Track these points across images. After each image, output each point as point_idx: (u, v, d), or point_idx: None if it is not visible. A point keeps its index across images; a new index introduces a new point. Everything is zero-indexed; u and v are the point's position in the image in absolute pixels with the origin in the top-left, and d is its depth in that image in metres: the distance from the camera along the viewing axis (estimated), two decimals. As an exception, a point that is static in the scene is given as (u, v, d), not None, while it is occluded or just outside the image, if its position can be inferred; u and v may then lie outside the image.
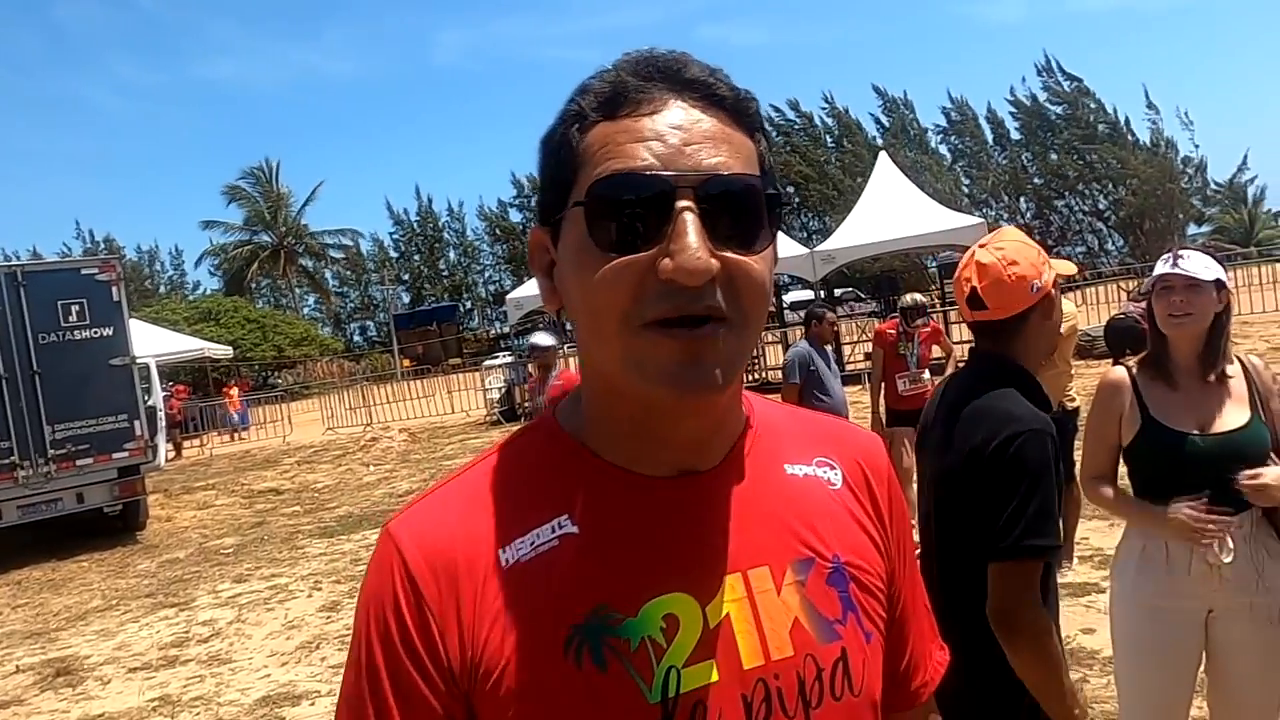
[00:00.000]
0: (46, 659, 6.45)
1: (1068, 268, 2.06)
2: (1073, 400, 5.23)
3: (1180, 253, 2.42)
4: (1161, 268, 2.43)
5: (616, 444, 0.77)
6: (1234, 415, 2.35)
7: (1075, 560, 5.19)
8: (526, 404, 6.25)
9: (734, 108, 0.73)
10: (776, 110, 47.61)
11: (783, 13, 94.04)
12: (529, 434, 0.83)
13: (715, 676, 0.72)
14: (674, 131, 0.69)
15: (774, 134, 47.09)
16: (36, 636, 7.13)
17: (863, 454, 0.89)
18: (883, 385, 6.32)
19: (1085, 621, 4.45)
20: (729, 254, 0.68)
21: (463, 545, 0.74)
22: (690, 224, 0.66)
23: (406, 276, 52.89)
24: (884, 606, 0.84)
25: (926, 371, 6.23)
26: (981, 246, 1.97)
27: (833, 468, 0.85)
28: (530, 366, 6.91)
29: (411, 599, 0.72)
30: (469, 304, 52.05)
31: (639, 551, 0.74)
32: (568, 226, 0.72)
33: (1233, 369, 2.41)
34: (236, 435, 23.26)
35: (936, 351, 6.37)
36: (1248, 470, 2.25)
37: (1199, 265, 2.37)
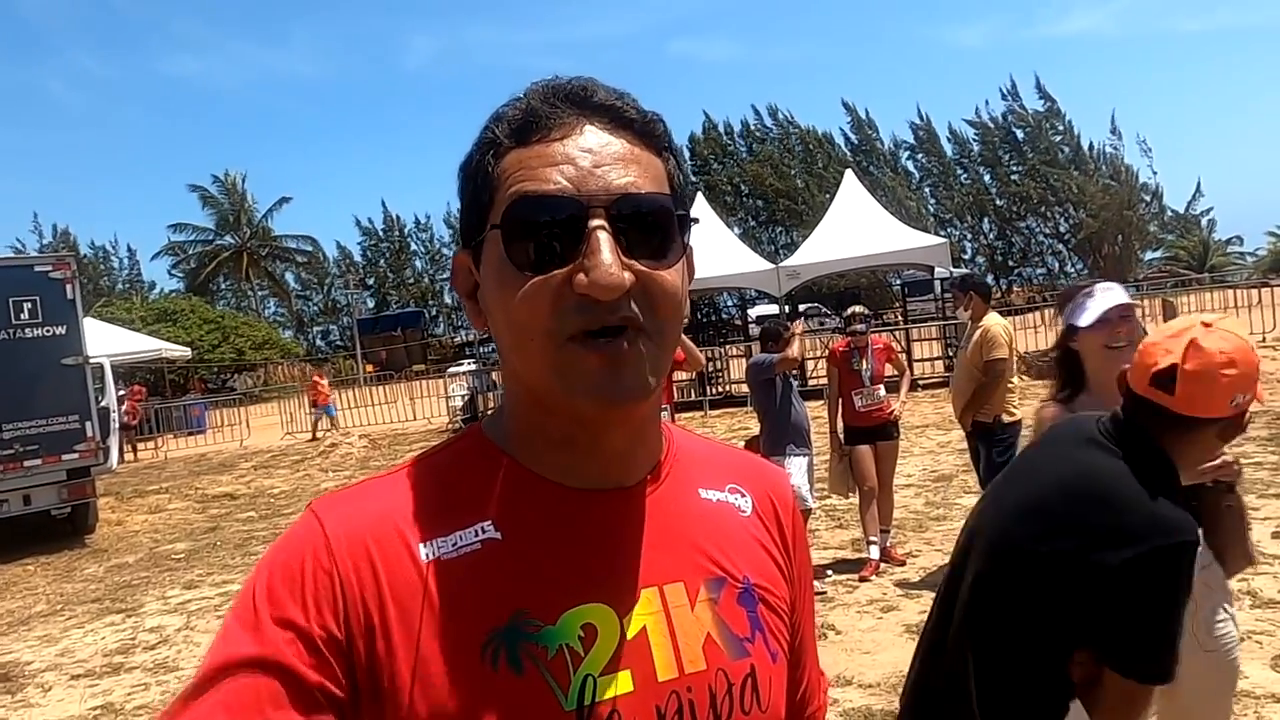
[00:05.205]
0: (-14, 665, 6.29)
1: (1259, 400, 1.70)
2: (1012, 415, 5.59)
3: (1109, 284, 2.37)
4: (1122, 295, 2.35)
5: (542, 456, 0.78)
6: None
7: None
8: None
9: (642, 130, 0.76)
10: (756, 114, 48.01)
11: (755, 30, 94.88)
12: (455, 444, 0.83)
13: (630, 686, 0.73)
14: (584, 154, 0.72)
15: (747, 142, 47.45)
16: (-24, 641, 6.96)
17: (772, 487, 0.92)
18: (839, 402, 6.39)
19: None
20: (641, 267, 0.71)
21: (384, 531, 0.74)
22: (603, 241, 0.69)
23: (371, 281, 52.47)
24: (788, 630, 0.87)
25: (882, 388, 6.28)
26: (1207, 326, 1.67)
27: (743, 496, 0.89)
28: None
29: (325, 565, 0.71)
30: (435, 310, 51.70)
31: (560, 561, 0.75)
32: (487, 249, 0.75)
33: None
34: (320, 429, 19.92)
35: (890, 370, 6.42)
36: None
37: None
